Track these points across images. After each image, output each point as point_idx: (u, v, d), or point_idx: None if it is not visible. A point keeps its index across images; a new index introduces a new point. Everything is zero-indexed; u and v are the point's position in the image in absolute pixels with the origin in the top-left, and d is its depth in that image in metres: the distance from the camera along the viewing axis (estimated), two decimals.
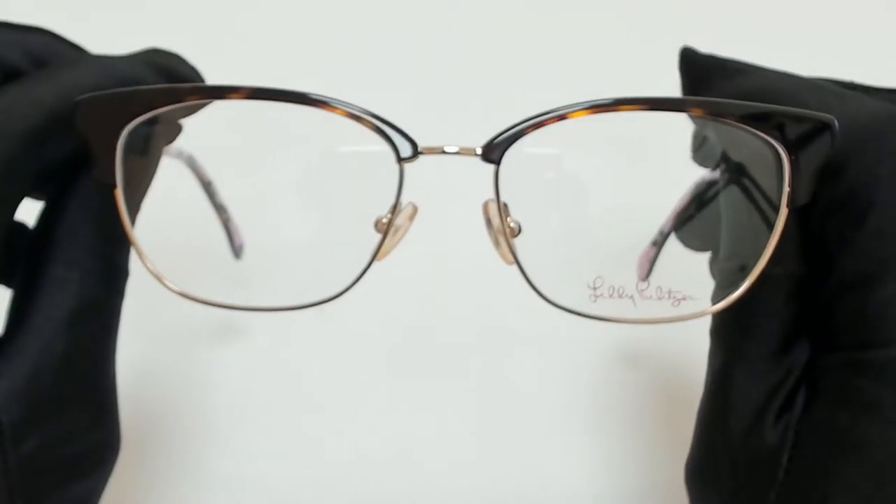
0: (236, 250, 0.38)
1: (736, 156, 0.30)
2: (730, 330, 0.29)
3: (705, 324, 0.30)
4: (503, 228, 0.28)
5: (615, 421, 0.43)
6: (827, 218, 0.27)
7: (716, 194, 0.32)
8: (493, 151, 0.27)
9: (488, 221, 0.29)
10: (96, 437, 0.28)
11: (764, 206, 0.29)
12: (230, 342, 0.45)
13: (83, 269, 0.26)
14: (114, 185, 0.27)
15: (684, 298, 0.28)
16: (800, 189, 0.27)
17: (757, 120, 0.27)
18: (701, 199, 0.34)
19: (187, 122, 0.29)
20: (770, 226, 0.28)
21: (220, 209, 0.36)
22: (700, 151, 0.33)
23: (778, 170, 0.27)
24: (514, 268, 0.28)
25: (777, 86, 0.29)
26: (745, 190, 0.30)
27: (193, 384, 0.44)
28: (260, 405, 0.43)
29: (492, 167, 0.27)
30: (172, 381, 0.44)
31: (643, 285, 0.28)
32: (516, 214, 0.28)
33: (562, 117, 0.26)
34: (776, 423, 0.27)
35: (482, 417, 0.43)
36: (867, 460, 0.26)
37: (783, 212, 0.27)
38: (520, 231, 0.28)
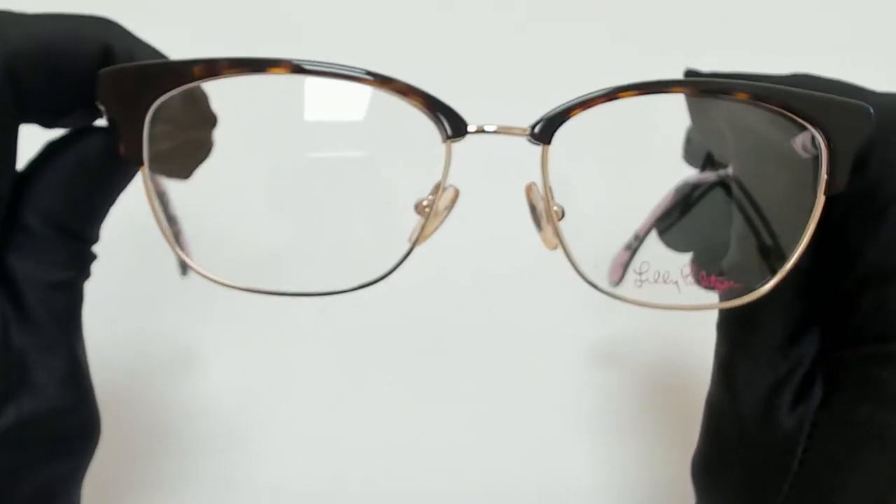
0: (182, 267, 0.36)
1: (743, 152, 0.30)
2: (735, 323, 0.29)
3: (710, 320, 0.30)
4: (549, 211, 0.27)
5: (618, 419, 0.43)
6: (848, 211, 0.27)
7: (702, 194, 0.32)
8: (544, 131, 0.26)
9: (531, 205, 0.28)
10: (77, 418, 0.27)
11: (787, 197, 0.29)
12: (235, 340, 0.45)
13: (37, 259, 0.25)
14: (140, 164, 0.25)
15: (725, 285, 0.28)
16: (837, 176, 0.27)
17: (796, 106, 0.27)
18: (687, 200, 0.34)
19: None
20: (804, 215, 0.28)
21: (171, 221, 0.34)
22: (688, 150, 0.33)
23: (813, 159, 0.27)
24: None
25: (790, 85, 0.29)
26: (758, 184, 0.30)
27: (193, 385, 0.43)
28: (269, 402, 0.43)
29: (533, 149, 0.27)
30: (171, 384, 0.43)
31: (687, 270, 0.28)
32: (559, 198, 0.27)
33: (611, 97, 0.26)
34: (790, 413, 0.28)
35: (484, 410, 0.43)
36: (889, 451, 0.26)
37: (820, 199, 0.27)
38: (563, 215, 0.27)
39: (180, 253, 0.26)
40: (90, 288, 0.27)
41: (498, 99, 0.36)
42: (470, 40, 0.54)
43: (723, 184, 0.32)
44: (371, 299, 0.43)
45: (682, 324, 0.35)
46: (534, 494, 0.41)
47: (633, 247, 0.40)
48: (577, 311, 0.41)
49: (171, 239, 0.33)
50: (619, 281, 0.41)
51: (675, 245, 0.35)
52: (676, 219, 0.35)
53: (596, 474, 0.41)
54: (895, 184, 0.26)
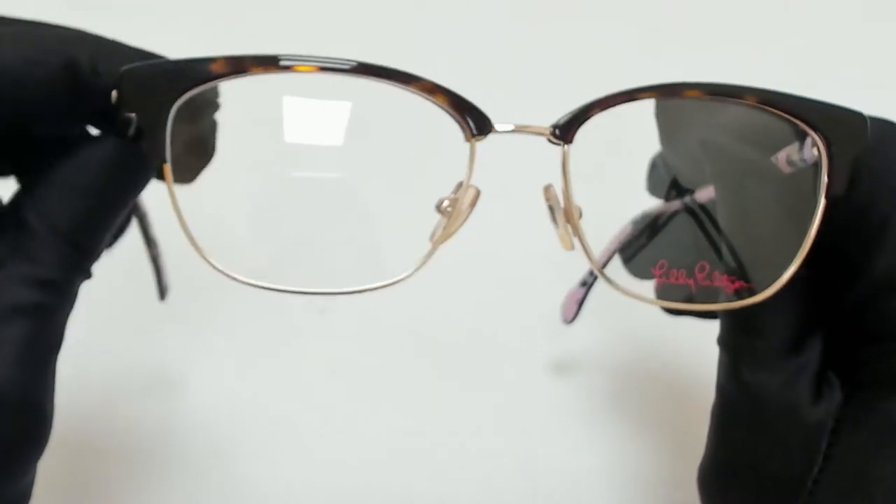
0: (162, 290, 0.35)
1: (722, 171, 0.31)
2: (737, 334, 0.29)
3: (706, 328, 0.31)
4: (570, 211, 0.27)
5: (617, 421, 0.43)
6: (847, 225, 0.28)
7: (667, 221, 0.33)
8: (565, 131, 0.27)
9: (549, 206, 0.28)
10: (20, 420, 0.24)
11: (775, 209, 0.30)
12: (233, 341, 0.44)
13: (24, 254, 0.24)
14: (163, 161, 0.25)
15: (740, 284, 0.29)
16: (836, 180, 0.28)
17: (801, 111, 0.28)
18: (654, 228, 0.35)
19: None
20: (798, 222, 0.28)
21: (151, 244, 0.34)
22: (651, 178, 0.34)
23: (798, 172, 0.28)
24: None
25: None
26: (742, 201, 0.31)
27: (190, 388, 0.43)
28: (266, 403, 0.42)
29: (549, 149, 0.27)
30: (168, 386, 0.43)
31: (701, 268, 0.28)
32: (576, 198, 0.28)
33: (631, 98, 0.27)
34: (813, 408, 0.28)
35: (483, 410, 0.44)
36: None
37: (821, 202, 0.28)
38: (581, 215, 0.28)
39: (205, 255, 0.25)
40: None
41: (516, 100, 0.36)
42: (486, 40, 0.55)
43: (690, 209, 0.32)
44: (370, 300, 0.43)
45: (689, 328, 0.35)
46: (526, 492, 0.41)
47: (589, 282, 0.40)
48: (583, 312, 0.41)
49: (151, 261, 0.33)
50: (573, 318, 0.42)
51: (643, 273, 0.36)
52: (643, 248, 0.36)
53: (589, 472, 0.42)
54: (889, 195, 0.27)
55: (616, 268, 0.34)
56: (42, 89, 0.24)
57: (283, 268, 0.26)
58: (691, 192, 0.31)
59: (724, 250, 0.30)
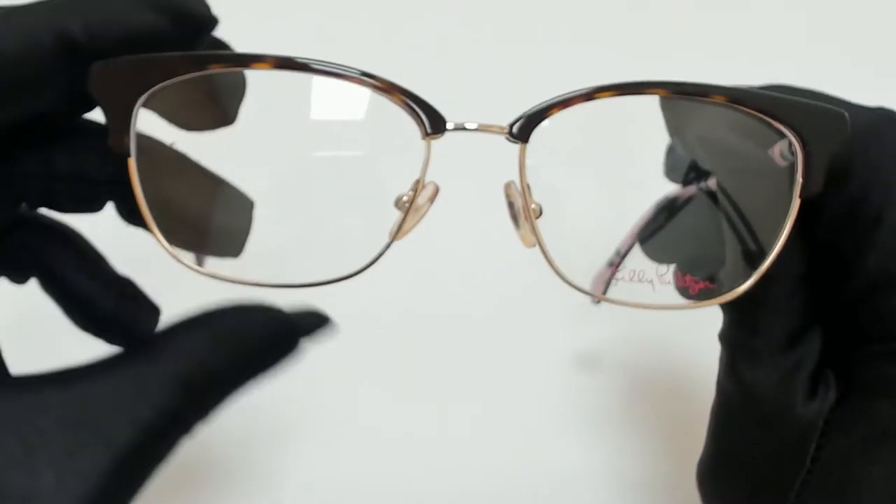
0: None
1: (717, 165, 0.31)
2: (736, 330, 0.29)
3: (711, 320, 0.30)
4: (527, 209, 0.27)
5: (612, 419, 0.43)
6: (840, 221, 0.28)
7: (683, 207, 0.33)
8: (522, 130, 0.27)
9: (509, 203, 0.29)
10: None
11: (766, 204, 0.29)
12: None
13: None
14: (127, 155, 0.26)
15: (702, 285, 0.28)
16: (812, 180, 0.27)
17: (771, 109, 0.27)
18: (670, 213, 0.34)
19: None
20: (780, 219, 0.28)
21: None
22: (668, 164, 0.34)
23: (790, 163, 0.28)
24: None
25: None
26: (736, 194, 0.30)
27: None
28: (261, 402, 0.42)
29: (505, 148, 0.27)
30: None
31: (662, 269, 0.28)
32: (537, 196, 0.28)
33: (589, 97, 0.27)
34: (805, 406, 0.28)
35: (477, 408, 0.44)
36: None
37: (795, 202, 0.28)
38: (541, 213, 0.28)
39: (164, 243, 0.26)
40: None
41: (481, 97, 0.36)
42: (452, 39, 0.55)
43: (704, 196, 0.32)
44: (361, 301, 0.44)
45: (690, 322, 0.35)
46: (525, 493, 0.41)
47: (615, 263, 0.40)
48: (567, 308, 0.41)
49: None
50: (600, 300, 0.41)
51: (658, 256, 0.36)
52: (659, 231, 0.36)
53: (588, 472, 0.42)
54: (882, 190, 0.27)
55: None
56: (39, 66, 0.24)
57: (244, 261, 0.27)
58: (706, 177, 0.31)
59: (717, 242, 0.30)
